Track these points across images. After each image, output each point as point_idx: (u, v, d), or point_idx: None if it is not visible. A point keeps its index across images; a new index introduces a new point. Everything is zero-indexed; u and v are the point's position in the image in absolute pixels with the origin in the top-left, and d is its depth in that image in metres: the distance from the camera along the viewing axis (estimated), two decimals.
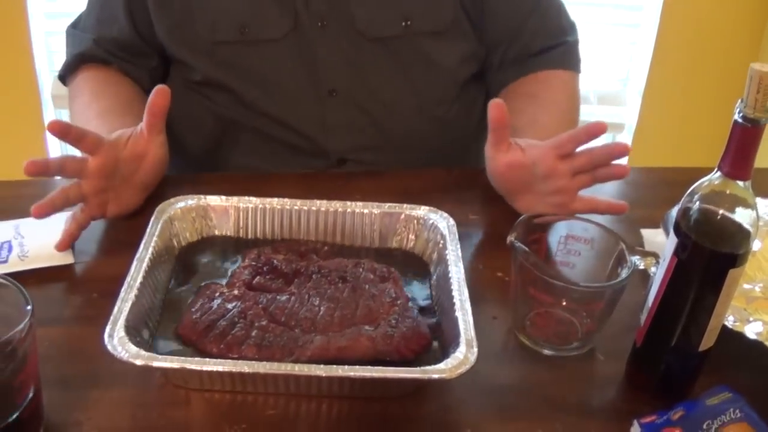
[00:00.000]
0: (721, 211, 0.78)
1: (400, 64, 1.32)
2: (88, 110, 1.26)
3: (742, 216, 0.77)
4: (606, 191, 1.20)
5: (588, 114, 2.34)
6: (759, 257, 1.05)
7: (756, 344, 0.89)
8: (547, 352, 0.93)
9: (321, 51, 1.29)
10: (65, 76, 1.38)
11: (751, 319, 0.92)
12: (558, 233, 0.97)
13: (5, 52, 2.11)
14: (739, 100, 0.74)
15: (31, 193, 1.08)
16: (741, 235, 0.78)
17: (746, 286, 1.00)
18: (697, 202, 0.78)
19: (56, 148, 2.27)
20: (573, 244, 0.96)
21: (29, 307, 0.72)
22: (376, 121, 1.34)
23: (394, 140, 1.35)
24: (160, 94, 1.08)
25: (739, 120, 0.74)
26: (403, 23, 1.29)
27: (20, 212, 1.05)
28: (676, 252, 0.80)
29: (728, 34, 2.36)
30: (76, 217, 1.04)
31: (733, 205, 0.77)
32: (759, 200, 1.10)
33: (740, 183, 0.76)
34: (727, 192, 0.77)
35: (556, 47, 1.39)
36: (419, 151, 1.36)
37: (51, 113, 2.24)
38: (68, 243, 1.03)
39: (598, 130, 1.07)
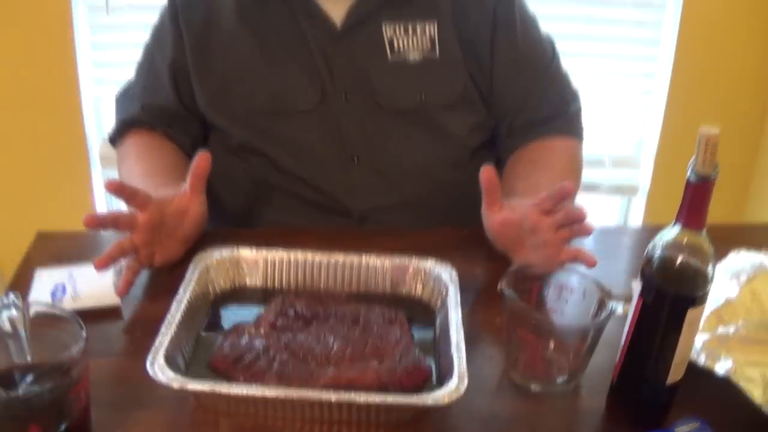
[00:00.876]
0: (680, 258, 0.90)
1: (415, 133, 1.46)
2: (134, 171, 1.41)
3: (698, 261, 0.89)
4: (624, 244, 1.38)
5: (603, 177, 2.50)
6: (735, 304, 1.15)
7: (725, 380, 0.99)
8: (535, 388, 1.04)
9: (345, 121, 1.44)
10: (114, 139, 1.53)
11: (722, 357, 1.02)
12: (547, 282, 1.09)
13: (59, 116, 2.29)
14: (692, 159, 0.86)
15: (81, 243, 1.24)
16: (699, 279, 0.89)
17: (721, 329, 1.10)
18: (659, 250, 0.90)
19: (102, 205, 2.44)
20: (561, 292, 1.08)
21: (83, 333, 0.86)
22: (394, 184, 1.47)
23: (411, 202, 1.48)
24: (202, 158, 1.23)
25: (692, 178, 0.86)
26: (419, 97, 1.44)
27: (73, 259, 1.20)
28: (642, 294, 0.91)
29: (735, 102, 2.50)
30: (130, 267, 1.18)
31: (691, 251, 0.89)
32: (743, 253, 1.24)
33: (697, 232, 0.88)
34: (685, 241, 0.89)
35: (560, 116, 1.53)
36: (433, 212, 1.49)
37: (99, 173, 2.40)
38: (127, 289, 1.16)
39: (566, 191, 1.20)
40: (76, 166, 2.35)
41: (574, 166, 1.52)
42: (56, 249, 1.30)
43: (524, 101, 1.51)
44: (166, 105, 1.50)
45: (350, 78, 1.43)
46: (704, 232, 0.88)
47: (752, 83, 2.50)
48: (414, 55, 1.43)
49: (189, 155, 1.40)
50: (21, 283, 1.16)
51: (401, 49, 1.42)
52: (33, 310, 0.90)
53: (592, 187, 2.53)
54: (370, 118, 1.44)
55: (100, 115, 2.37)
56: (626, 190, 2.65)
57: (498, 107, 1.52)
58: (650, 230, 1.45)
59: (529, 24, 1.54)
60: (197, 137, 1.53)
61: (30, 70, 2.24)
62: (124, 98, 1.56)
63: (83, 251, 1.18)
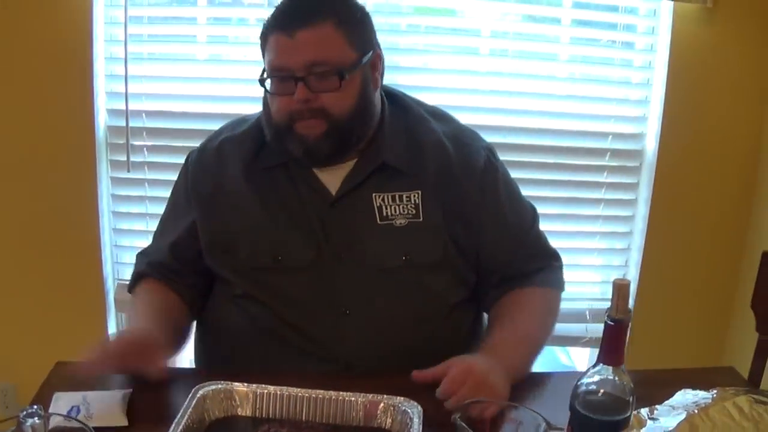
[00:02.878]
0: (601, 390, 1.05)
1: (400, 290, 1.62)
2: (137, 309, 1.68)
3: (617, 392, 1.05)
4: None
5: (584, 329, 2.65)
6: None
7: None
8: None
9: (338, 279, 1.60)
10: (131, 289, 1.76)
11: None
12: (500, 416, 1.23)
13: (81, 262, 2.51)
14: (608, 308, 1.03)
15: None
16: (619, 407, 1.05)
17: None
18: (584, 386, 1.06)
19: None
20: (507, 422, 1.22)
21: None
22: (379, 335, 1.62)
23: (394, 351, 1.61)
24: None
25: (609, 321, 1.03)
26: (404, 257, 1.61)
27: (86, 386, 1.38)
28: (570, 423, 1.07)
29: (711, 243, 2.69)
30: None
31: (612, 384, 1.05)
32: (689, 392, 1.40)
33: (616, 368, 1.04)
34: (606, 375, 1.05)
35: (542, 270, 1.72)
36: (415, 360, 1.57)
37: (113, 314, 2.60)
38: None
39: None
40: (93, 308, 2.55)
41: (551, 312, 1.71)
42: (72, 376, 1.45)
43: (511, 261, 1.69)
44: (164, 262, 1.72)
45: (343, 240, 1.61)
46: (623, 367, 1.05)
47: (725, 245, 2.70)
48: (400, 220, 1.61)
49: (187, 302, 1.69)
50: (41, 404, 1.30)
51: (389, 215, 1.61)
52: (53, 420, 1.06)
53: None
54: (360, 276, 1.60)
55: (116, 263, 2.59)
56: None
57: (486, 266, 1.69)
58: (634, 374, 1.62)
59: (512, 192, 1.74)
60: (195, 287, 1.72)
61: (56, 219, 2.48)
62: (140, 257, 1.79)
63: (96, 378, 1.37)
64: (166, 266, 1.71)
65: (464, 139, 1.69)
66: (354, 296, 1.61)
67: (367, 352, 1.61)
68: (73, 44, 2.30)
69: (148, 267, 1.73)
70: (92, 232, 2.45)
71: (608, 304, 2.69)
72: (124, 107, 2.34)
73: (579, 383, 1.07)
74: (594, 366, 1.06)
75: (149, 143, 2.43)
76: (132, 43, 2.32)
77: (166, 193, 2.40)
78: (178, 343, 1.66)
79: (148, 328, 1.53)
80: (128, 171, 2.40)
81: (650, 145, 2.61)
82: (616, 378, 1.05)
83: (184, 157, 2.38)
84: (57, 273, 2.51)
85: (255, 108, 2.26)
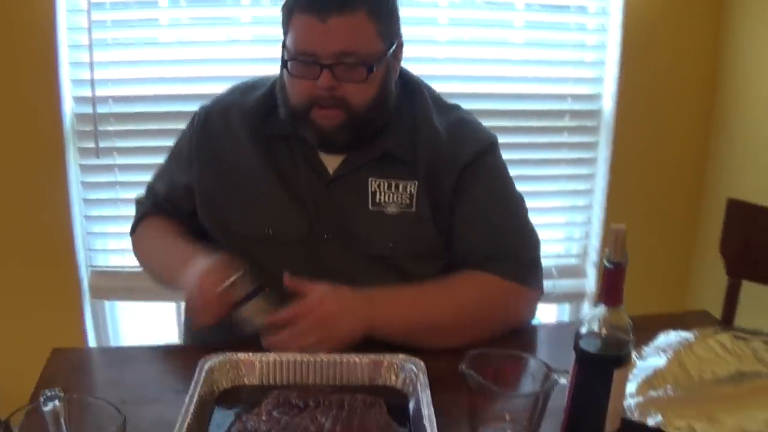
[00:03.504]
0: (603, 329, 1.11)
1: (384, 276, 1.61)
2: (167, 239, 1.71)
3: (618, 330, 1.11)
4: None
5: (552, 285, 2.71)
6: (664, 372, 1.37)
7: (655, 430, 1.20)
8: None
9: (325, 259, 1.60)
10: (134, 229, 1.82)
11: (652, 413, 1.23)
12: (501, 364, 1.29)
13: (53, 252, 2.51)
14: (606, 251, 1.08)
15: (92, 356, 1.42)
16: (620, 344, 1.11)
17: (651, 393, 1.31)
18: (586, 326, 1.12)
19: (91, 330, 2.64)
20: (513, 370, 1.28)
21: (122, 418, 1.04)
22: None
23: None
24: None
25: (607, 265, 1.09)
26: (391, 245, 1.62)
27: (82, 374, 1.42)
28: (577, 361, 1.12)
29: (667, 213, 2.78)
30: None
31: (612, 323, 1.11)
32: (671, 333, 1.46)
33: (615, 308, 1.10)
34: (607, 315, 1.11)
35: (510, 260, 1.63)
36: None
37: (88, 301, 2.61)
38: None
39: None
40: (68, 296, 2.55)
41: (487, 297, 1.60)
42: (70, 363, 1.48)
43: (480, 247, 1.64)
44: (169, 210, 1.76)
45: (333, 221, 1.62)
46: (622, 307, 1.11)
47: (684, 195, 2.81)
48: (392, 208, 1.62)
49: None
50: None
51: (382, 201, 1.62)
52: (74, 399, 1.08)
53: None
54: (346, 259, 1.61)
55: (89, 249, 2.60)
56: (574, 297, 2.89)
57: (458, 252, 1.66)
58: None
59: (497, 190, 1.69)
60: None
61: (26, 209, 2.48)
62: (144, 199, 1.83)
63: (93, 364, 1.39)
64: (168, 211, 1.76)
65: (459, 132, 1.67)
66: (339, 278, 1.58)
67: (346, 338, 1.56)
68: (36, 34, 2.29)
69: (153, 208, 1.77)
70: (64, 220, 2.45)
71: (572, 261, 2.79)
72: (89, 94, 2.34)
73: (581, 323, 1.13)
74: (594, 306, 1.12)
75: (117, 128, 2.43)
76: (95, 29, 2.32)
77: (137, 177, 2.46)
78: None
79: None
80: (97, 157, 2.40)
81: (607, 105, 2.69)
82: (617, 317, 1.11)
83: (153, 141, 2.42)
84: (30, 263, 2.50)
85: (222, 87, 2.30)
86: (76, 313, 2.54)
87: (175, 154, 1.78)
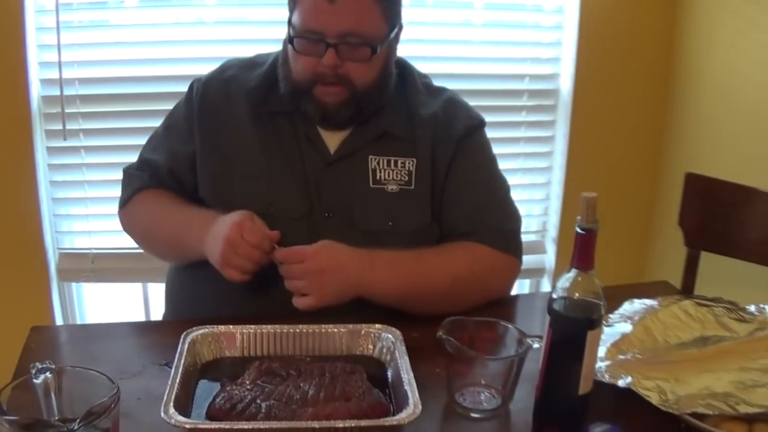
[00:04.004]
0: (576, 293, 1.16)
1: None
2: (160, 210, 1.72)
3: (590, 294, 1.16)
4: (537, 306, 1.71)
5: None
6: (631, 338, 1.44)
7: (625, 390, 1.26)
8: (474, 415, 1.28)
9: (325, 236, 1.57)
10: (125, 203, 1.78)
11: (622, 376, 1.29)
12: (476, 330, 1.34)
13: (21, 235, 2.49)
14: (578, 218, 1.13)
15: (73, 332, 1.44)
16: (593, 306, 1.16)
17: (620, 357, 1.37)
18: (560, 290, 1.17)
19: (59, 312, 2.63)
20: (488, 337, 1.33)
21: (116, 387, 1.07)
22: None
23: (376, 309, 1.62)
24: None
25: (579, 230, 1.14)
26: (389, 222, 1.66)
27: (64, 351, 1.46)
28: (551, 325, 1.17)
29: (625, 192, 2.85)
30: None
31: (584, 287, 1.16)
32: (635, 301, 1.53)
33: (587, 272, 1.15)
34: (579, 279, 1.16)
35: (492, 230, 1.69)
36: (394, 319, 1.58)
37: (56, 283, 2.60)
38: None
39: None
40: (36, 278, 2.54)
41: (480, 272, 1.66)
42: (50, 342, 1.51)
43: (468, 218, 1.69)
44: (167, 181, 1.74)
45: (334, 199, 1.66)
46: (593, 272, 1.16)
47: (642, 171, 2.88)
48: (392, 186, 1.66)
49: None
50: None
51: (382, 179, 1.66)
52: (66, 371, 1.11)
53: None
54: (346, 235, 1.61)
55: (57, 231, 2.58)
56: (534, 273, 2.95)
57: (446, 223, 1.71)
58: None
59: (485, 165, 1.76)
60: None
61: None
62: (135, 171, 1.78)
63: (74, 341, 1.42)
64: (165, 183, 1.74)
65: (452, 110, 1.73)
66: None
67: (349, 309, 1.60)
68: (3, 18, 2.27)
69: (151, 180, 1.74)
70: (31, 203, 2.44)
71: (532, 237, 2.86)
72: (56, 76, 2.33)
73: (555, 288, 1.18)
74: (567, 272, 1.17)
75: (84, 110, 2.42)
76: (63, 11, 2.30)
77: (104, 158, 2.47)
78: None
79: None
80: (64, 139, 2.40)
81: (565, 84, 2.74)
82: (588, 281, 1.16)
83: (120, 122, 2.42)
84: None
85: (188, 68, 2.32)
86: (43, 294, 2.53)
87: (171, 125, 1.78)
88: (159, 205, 1.73)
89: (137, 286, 2.73)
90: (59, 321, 2.61)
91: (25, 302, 2.51)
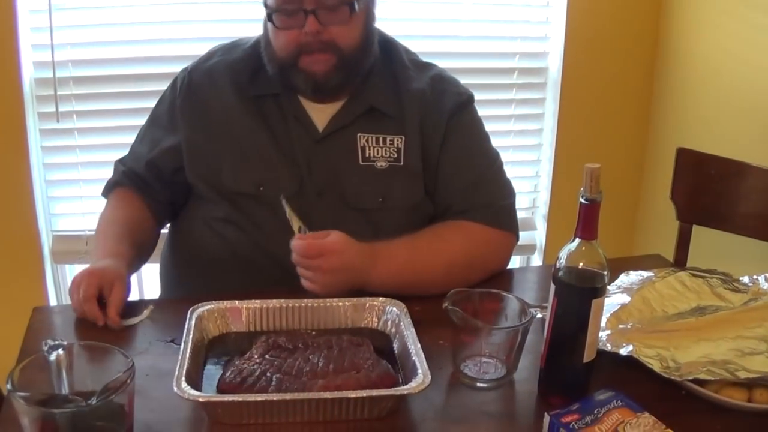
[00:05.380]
0: (581, 262, 1.18)
1: (375, 229, 1.65)
2: (105, 216, 1.73)
3: (594, 263, 1.18)
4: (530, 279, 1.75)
5: None
6: (629, 308, 1.47)
7: (626, 358, 1.29)
8: (480, 385, 1.30)
9: (316, 214, 1.62)
10: (105, 194, 1.81)
11: (623, 344, 1.31)
12: (481, 301, 1.36)
13: (15, 217, 2.49)
14: (581, 189, 1.15)
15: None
16: (596, 275, 1.18)
17: (620, 326, 1.40)
18: (564, 259, 1.19)
19: (53, 294, 2.63)
20: (492, 308, 1.35)
21: (130, 362, 1.08)
22: None
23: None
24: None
25: (583, 201, 1.16)
26: (380, 199, 1.68)
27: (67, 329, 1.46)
28: (556, 294, 1.20)
29: (614, 168, 2.87)
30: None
31: (588, 256, 1.18)
32: (631, 273, 1.55)
33: (591, 242, 1.17)
34: (583, 249, 1.18)
35: (487, 208, 1.70)
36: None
37: (50, 266, 2.60)
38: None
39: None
40: (30, 261, 2.54)
41: (474, 248, 1.67)
42: (53, 320, 1.54)
43: (461, 196, 1.71)
44: (144, 176, 1.76)
45: (325, 177, 1.67)
46: (597, 242, 1.18)
47: (631, 147, 2.91)
48: (381, 163, 1.67)
49: (155, 216, 1.77)
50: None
51: (371, 156, 1.67)
52: (80, 347, 1.12)
53: None
54: (337, 213, 1.65)
55: (50, 214, 2.58)
56: (525, 250, 2.98)
57: (438, 204, 1.73)
58: (548, 267, 1.76)
59: (476, 138, 1.77)
60: (167, 203, 1.79)
61: None
62: (117, 164, 1.81)
63: (77, 320, 1.46)
64: (141, 178, 1.76)
65: (441, 87, 1.74)
66: (329, 229, 1.60)
67: (340, 287, 1.61)
68: None
69: (124, 176, 1.77)
70: (24, 185, 2.43)
71: (522, 214, 2.88)
72: (48, 59, 2.32)
73: (559, 257, 1.20)
74: (571, 241, 1.19)
75: (77, 92, 2.41)
76: None
77: (97, 140, 2.47)
78: (139, 261, 1.70)
79: (111, 263, 1.54)
80: (57, 121, 2.39)
81: (554, 62, 2.76)
82: (592, 250, 1.18)
83: (113, 103, 2.42)
84: None
85: (181, 48, 2.32)
86: (37, 276, 2.54)
87: (156, 117, 1.80)
88: (108, 213, 1.75)
89: None
90: (53, 303, 2.61)
91: (20, 285, 2.51)
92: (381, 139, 1.68)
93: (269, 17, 1.59)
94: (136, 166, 1.77)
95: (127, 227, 1.68)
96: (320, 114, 1.68)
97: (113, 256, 1.57)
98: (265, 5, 1.60)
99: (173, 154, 1.73)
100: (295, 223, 1.52)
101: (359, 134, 1.68)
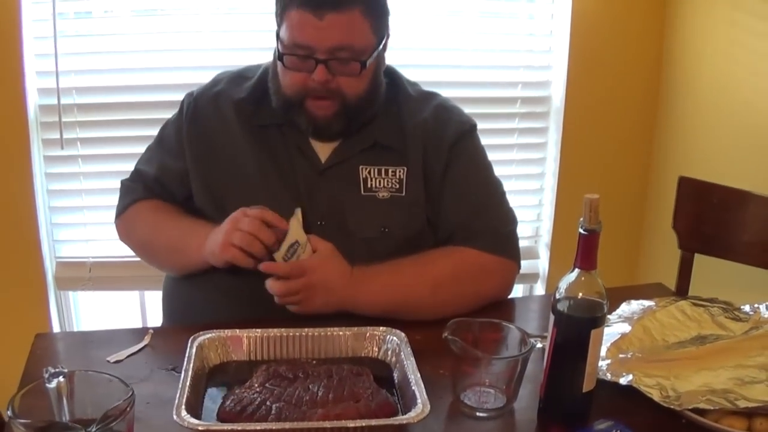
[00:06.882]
0: (580, 292, 1.19)
1: (377, 258, 1.64)
2: (160, 220, 1.74)
3: (594, 293, 1.18)
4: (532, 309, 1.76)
5: None
6: (630, 337, 1.47)
7: (626, 388, 1.29)
8: (480, 414, 1.30)
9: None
10: (120, 212, 1.81)
11: (623, 374, 1.31)
12: (481, 331, 1.36)
13: (18, 244, 2.50)
14: (581, 219, 1.16)
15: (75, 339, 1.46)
16: (596, 305, 1.19)
17: (621, 356, 1.40)
18: (564, 290, 1.19)
19: (56, 321, 2.64)
20: (492, 338, 1.36)
21: (130, 390, 1.08)
22: None
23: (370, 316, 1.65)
24: None
25: (582, 231, 1.16)
26: (382, 229, 1.68)
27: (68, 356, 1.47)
28: (555, 324, 1.20)
29: (616, 197, 2.89)
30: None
31: (587, 286, 1.19)
32: (632, 302, 1.55)
33: (590, 272, 1.18)
34: (582, 279, 1.18)
35: (488, 234, 1.70)
36: (389, 322, 1.59)
37: (53, 292, 2.61)
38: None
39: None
40: (33, 287, 2.55)
41: (465, 268, 1.67)
42: (55, 347, 1.54)
43: (463, 223, 1.70)
44: (158, 191, 1.77)
45: (327, 207, 1.67)
46: (596, 271, 1.18)
47: (633, 176, 2.92)
48: (383, 193, 1.68)
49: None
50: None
51: (373, 186, 1.68)
52: (80, 375, 1.12)
53: None
54: (339, 242, 1.63)
55: (54, 240, 2.59)
56: (528, 278, 2.98)
57: (442, 229, 1.73)
58: (551, 297, 1.76)
59: (479, 169, 1.78)
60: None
61: None
62: (127, 183, 1.82)
63: (79, 347, 1.45)
64: (157, 192, 1.77)
65: (443, 116, 1.74)
66: None
67: (323, 303, 1.61)
68: (0, 26, 2.29)
69: (144, 190, 1.78)
70: (29, 212, 2.45)
71: (526, 242, 2.90)
72: (53, 86, 2.34)
73: (559, 287, 1.20)
74: (571, 271, 1.19)
75: (81, 119, 2.43)
76: (59, 20, 2.32)
77: (101, 167, 2.48)
78: None
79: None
80: (62, 148, 2.41)
81: (557, 91, 2.78)
82: (591, 280, 1.18)
83: (117, 131, 2.44)
84: None
85: (185, 76, 2.33)
86: (41, 303, 2.55)
87: (163, 139, 1.81)
88: (156, 215, 1.76)
89: (134, 295, 2.74)
90: (57, 329, 2.61)
91: (23, 311, 2.52)
92: (383, 171, 1.69)
93: (280, 56, 1.60)
94: (147, 183, 1.78)
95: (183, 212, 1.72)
96: (323, 145, 1.69)
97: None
98: (278, 38, 1.61)
99: (181, 177, 1.74)
100: (293, 237, 1.54)
101: (361, 166, 1.69)
